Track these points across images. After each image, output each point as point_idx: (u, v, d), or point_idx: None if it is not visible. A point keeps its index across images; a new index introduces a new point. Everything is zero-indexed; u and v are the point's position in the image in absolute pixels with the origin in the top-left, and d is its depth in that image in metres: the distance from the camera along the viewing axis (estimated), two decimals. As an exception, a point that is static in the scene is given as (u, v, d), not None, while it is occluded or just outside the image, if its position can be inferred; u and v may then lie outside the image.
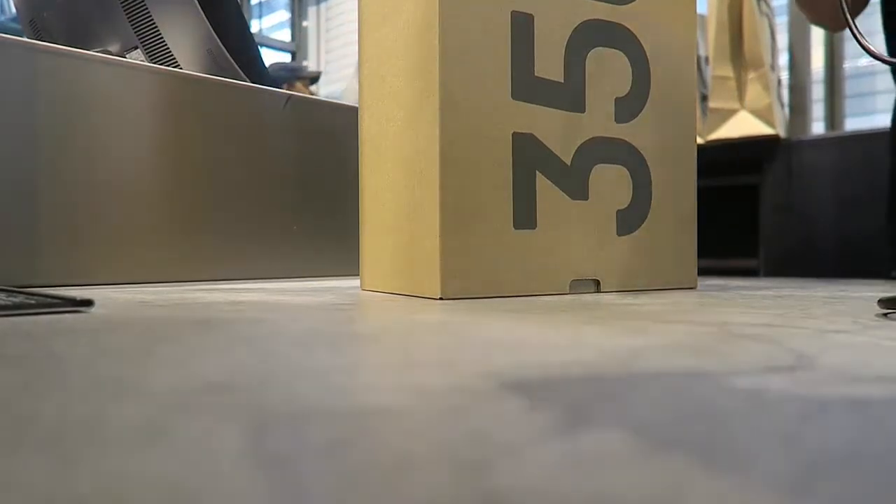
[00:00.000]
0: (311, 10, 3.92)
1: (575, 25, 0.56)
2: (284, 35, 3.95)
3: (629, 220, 0.59)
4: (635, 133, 0.59)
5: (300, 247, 0.81)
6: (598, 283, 0.57)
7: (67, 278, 0.63)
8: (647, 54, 0.60)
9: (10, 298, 0.41)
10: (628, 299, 0.49)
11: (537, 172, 0.54)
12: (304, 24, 3.89)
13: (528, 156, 0.54)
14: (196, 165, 0.73)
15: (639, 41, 0.59)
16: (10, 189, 0.61)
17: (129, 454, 0.13)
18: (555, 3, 0.56)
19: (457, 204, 0.51)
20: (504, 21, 0.53)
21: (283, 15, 3.99)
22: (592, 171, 0.57)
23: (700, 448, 0.14)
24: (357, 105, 0.65)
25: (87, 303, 0.40)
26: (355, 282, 0.70)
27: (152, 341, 0.28)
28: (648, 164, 0.60)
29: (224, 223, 0.75)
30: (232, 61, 0.79)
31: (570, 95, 0.56)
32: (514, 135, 0.53)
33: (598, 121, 0.57)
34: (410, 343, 0.29)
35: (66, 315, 0.37)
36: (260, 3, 3.95)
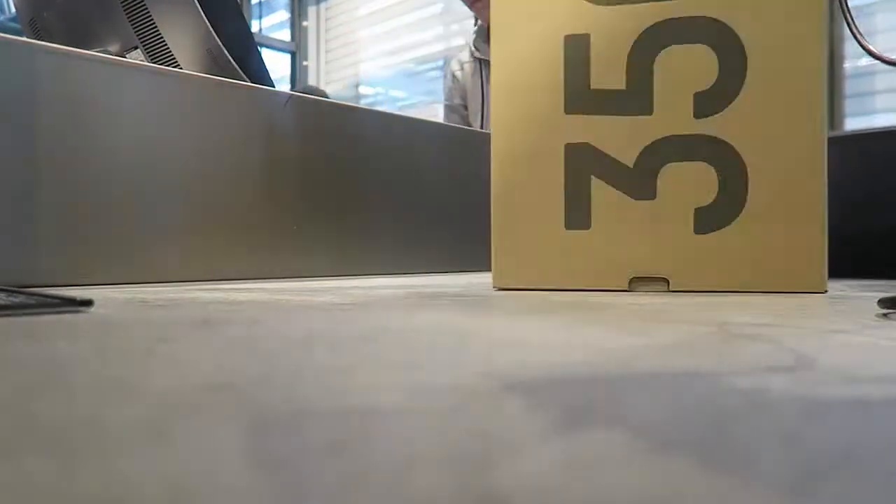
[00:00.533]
0: (311, 10, 3.92)
1: (638, 33, 0.56)
2: (284, 35, 3.95)
3: (712, 217, 0.56)
4: (724, 126, 0.56)
5: (299, 247, 0.81)
6: (667, 281, 0.56)
7: (67, 278, 0.62)
8: (744, 42, 0.55)
9: (10, 298, 0.41)
10: (627, 299, 0.49)
11: (592, 177, 0.56)
12: (304, 24, 3.89)
13: (582, 162, 0.56)
14: (196, 165, 0.73)
15: (731, 30, 0.56)
16: (10, 189, 0.61)
17: (129, 454, 0.13)
18: (612, 17, 0.55)
19: (507, 208, 0.57)
20: (556, 45, 0.56)
21: (283, 15, 3.99)
22: (662, 169, 0.56)
23: (700, 448, 0.14)
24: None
25: (87, 303, 0.40)
26: (354, 282, 0.70)
27: (152, 341, 0.28)
28: (743, 156, 0.55)
29: (224, 223, 0.75)
30: (232, 61, 0.79)
31: (633, 100, 0.56)
32: (567, 146, 0.56)
33: (670, 119, 0.56)
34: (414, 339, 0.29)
35: (66, 315, 0.37)
36: (260, 3, 3.94)
